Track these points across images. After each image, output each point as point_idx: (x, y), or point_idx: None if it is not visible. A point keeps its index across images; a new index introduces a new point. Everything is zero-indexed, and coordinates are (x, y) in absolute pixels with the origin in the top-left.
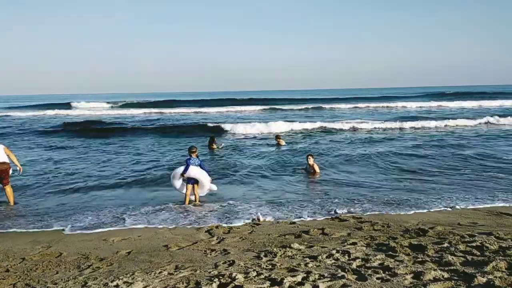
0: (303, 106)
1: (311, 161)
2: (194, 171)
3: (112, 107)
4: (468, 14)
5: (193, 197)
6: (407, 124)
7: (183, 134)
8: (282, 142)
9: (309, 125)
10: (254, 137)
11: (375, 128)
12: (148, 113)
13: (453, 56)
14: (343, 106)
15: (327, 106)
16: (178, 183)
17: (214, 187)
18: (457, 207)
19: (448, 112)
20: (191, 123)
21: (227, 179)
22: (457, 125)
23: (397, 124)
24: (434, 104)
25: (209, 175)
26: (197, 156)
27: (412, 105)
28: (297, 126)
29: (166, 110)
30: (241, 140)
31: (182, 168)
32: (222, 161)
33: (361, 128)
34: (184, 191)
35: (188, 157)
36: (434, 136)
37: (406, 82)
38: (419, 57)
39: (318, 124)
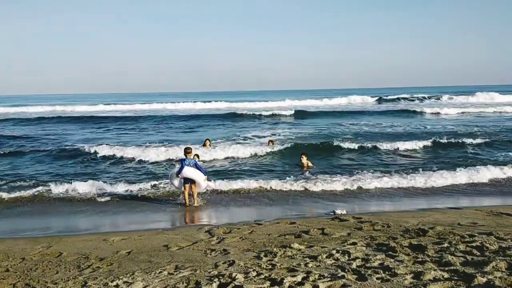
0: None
1: (304, 159)
2: (188, 172)
3: None
4: (468, 13)
5: (192, 198)
6: None
7: None
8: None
9: None
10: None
11: None
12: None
13: (455, 56)
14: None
15: None
16: (176, 182)
17: (212, 184)
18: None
19: None
20: None
21: (227, 179)
22: None
23: None
24: None
25: (204, 173)
26: (197, 156)
27: None
28: None
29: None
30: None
31: (176, 169)
32: (220, 161)
33: None
34: (183, 189)
35: (184, 158)
36: None
37: (404, 82)
38: (419, 57)
39: None
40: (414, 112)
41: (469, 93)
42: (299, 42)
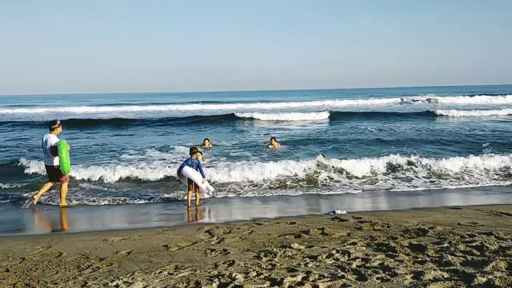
0: None
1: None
2: (187, 171)
3: None
4: (467, 14)
5: (194, 197)
6: None
7: None
8: (279, 146)
9: None
10: None
11: None
12: None
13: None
14: None
15: None
16: (182, 179)
17: (211, 188)
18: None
19: None
20: None
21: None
22: None
23: None
24: None
25: (203, 176)
26: (201, 153)
27: None
28: None
29: None
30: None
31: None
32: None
33: None
34: (187, 188)
35: (188, 157)
36: None
37: (399, 82)
38: (416, 57)
39: None
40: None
41: (471, 94)
42: (298, 42)
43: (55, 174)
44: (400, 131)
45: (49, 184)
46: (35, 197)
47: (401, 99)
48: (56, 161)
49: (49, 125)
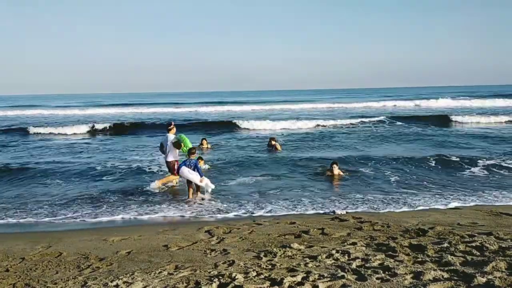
0: None
1: (335, 170)
2: (183, 171)
3: None
4: (467, 15)
5: (195, 193)
6: None
7: None
8: (279, 147)
9: None
10: None
11: None
12: None
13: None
14: None
15: None
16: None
17: (211, 186)
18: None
19: None
20: None
21: (226, 178)
22: None
23: None
24: None
25: (201, 175)
26: (201, 158)
27: None
28: None
29: None
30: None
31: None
32: (217, 161)
33: None
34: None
35: (187, 158)
36: None
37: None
38: (413, 57)
39: None
40: None
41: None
42: (296, 42)
43: (171, 167)
44: None
45: (172, 177)
46: (158, 183)
47: None
48: (171, 157)
49: (166, 127)
